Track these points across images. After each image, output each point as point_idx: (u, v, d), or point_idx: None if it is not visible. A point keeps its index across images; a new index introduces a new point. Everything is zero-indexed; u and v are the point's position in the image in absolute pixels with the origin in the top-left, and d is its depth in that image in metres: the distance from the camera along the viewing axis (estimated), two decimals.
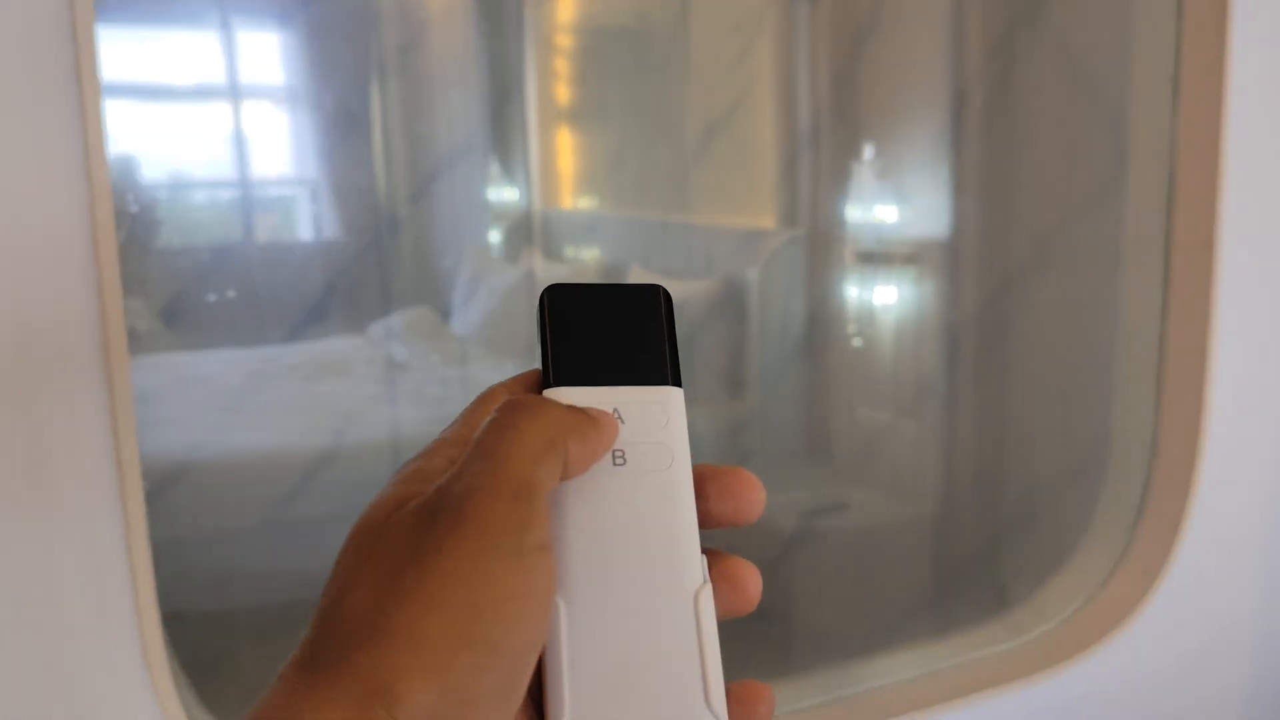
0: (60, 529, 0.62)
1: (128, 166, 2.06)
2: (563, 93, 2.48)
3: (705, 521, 0.37)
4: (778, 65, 1.90)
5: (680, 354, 0.40)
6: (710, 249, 1.97)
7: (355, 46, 2.38)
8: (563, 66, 2.45)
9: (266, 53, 2.38)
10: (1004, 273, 1.55)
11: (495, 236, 2.47)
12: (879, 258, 1.69)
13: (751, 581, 0.37)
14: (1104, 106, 1.30)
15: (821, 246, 1.82)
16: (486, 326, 2.12)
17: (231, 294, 2.04)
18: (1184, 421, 0.99)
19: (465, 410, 0.38)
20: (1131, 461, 1.07)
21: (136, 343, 1.71)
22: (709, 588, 0.35)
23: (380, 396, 1.89)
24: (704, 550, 0.36)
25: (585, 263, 2.25)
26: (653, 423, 0.38)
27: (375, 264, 2.26)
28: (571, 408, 0.36)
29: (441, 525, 0.32)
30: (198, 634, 1.27)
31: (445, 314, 2.24)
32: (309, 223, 2.39)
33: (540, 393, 0.38)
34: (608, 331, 0.40)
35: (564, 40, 2.43)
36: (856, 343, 1.77)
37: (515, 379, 0.39)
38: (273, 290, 2.14)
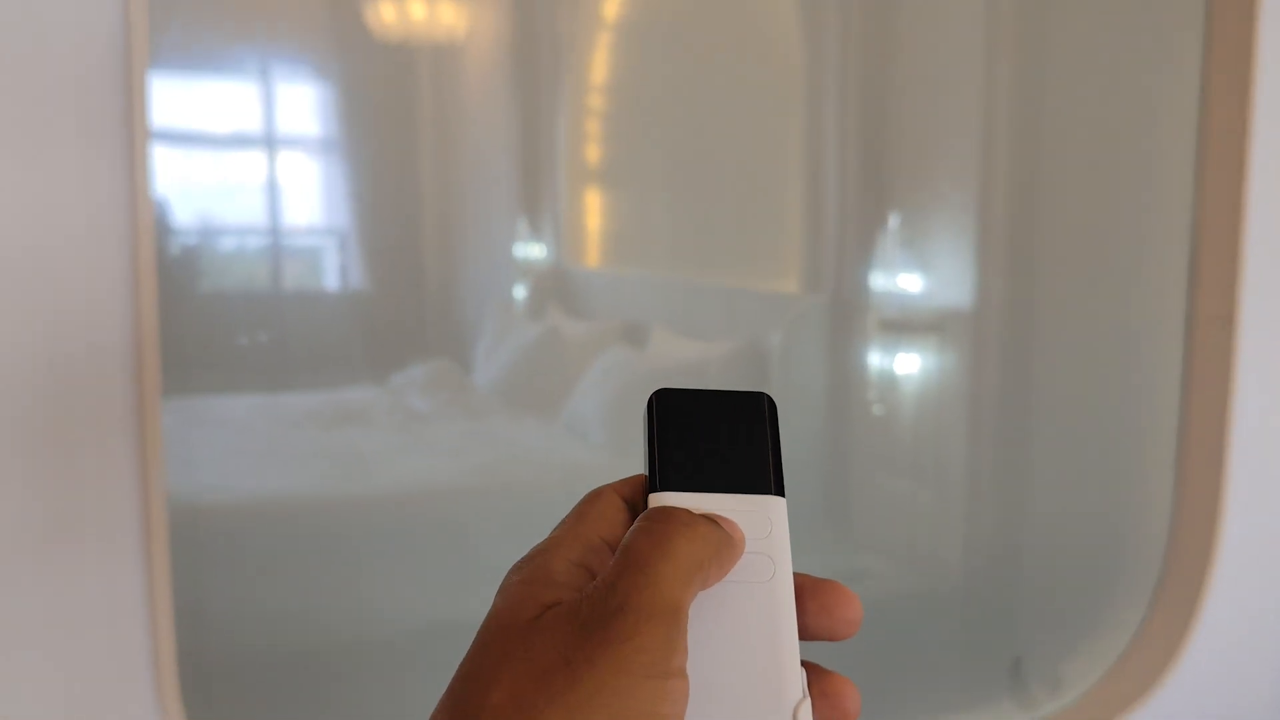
0: (84, 565, 0.63)
1: (160, 210, 2.10)
2: (593, 153, 2.52)
3: (801, 634, 0.38)
4: (807, 131, 1.92)
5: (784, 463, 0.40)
6: (734, 311, 1.98)
7: (391, 102, 2.43)
8: (594, 127, 2.48)
9: (303, 104, 2.43)
10: (1026, 345, 1.55)
11: (520, 292, 2.49)
12: (901, 326, 1.69)
13: (850, 699, 0.38)
14: (1127, 181, 1.31)
15: (845, 312, 1.82)
16: (508, 381, 2.13)
17: (258, 339, 2.06)
18: (1202, 497, 0.98)
19: (575, 509, 0.39)
20: (1150, 537, 1.06)
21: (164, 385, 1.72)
22: (808, 703, 0.36)
23: (400, 446, 1.90)
24: (804, 664, 0.36)
25: (609, 319, 2.26)
26: (756, 532, 0.38)
27: (400, 315, 2.28)
28: (713, 524, 0.36)
29: (595, 638, 0.32)
30: (212, 676, 1.27)
31: (468, 367, 2.25)
32: (336, 272, 2.42)
33: (645, 496, 0.38)
34: (713, 437, 0.40)
35: (596, 101, 2.46)
36: (877, 410, 1.77)
37: (623, 482, 0.40)
38: (298, 337, 2.16)
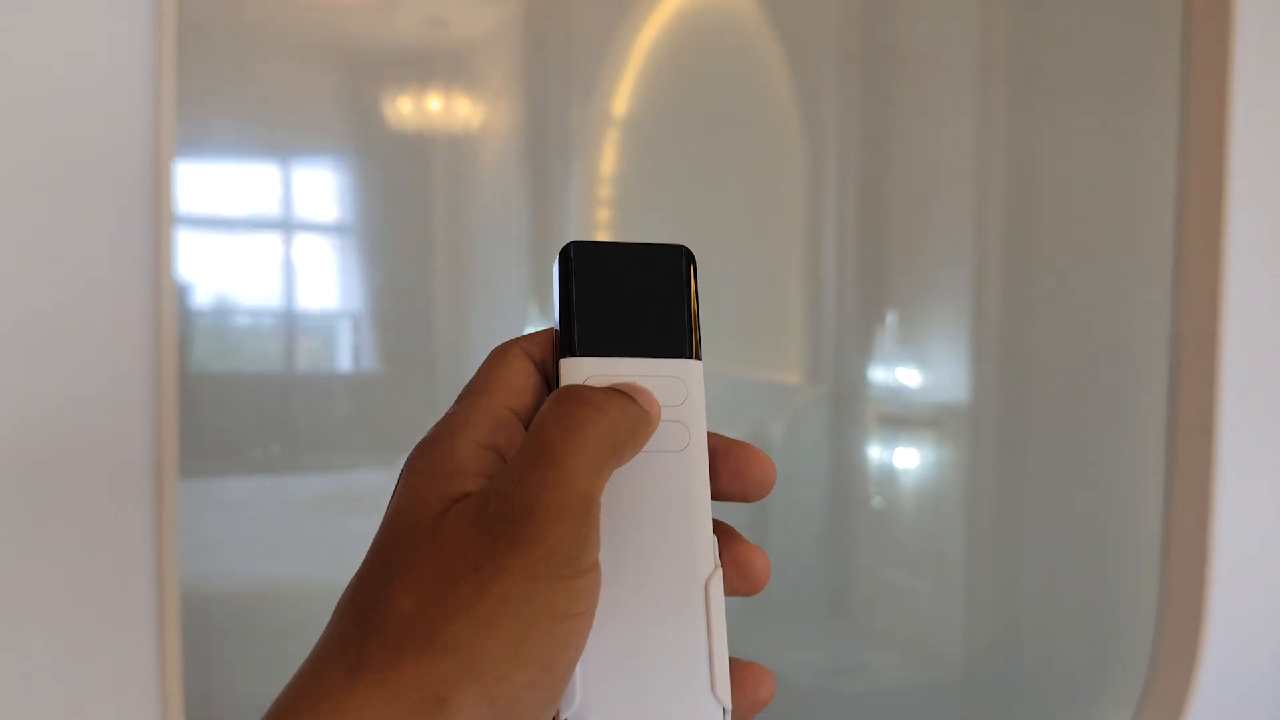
0: (97, 649, 0.65)
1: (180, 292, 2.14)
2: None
3: (715, 496, 0.37)
4: (807, 226, 1.97)
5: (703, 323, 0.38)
6: (736, 401, 2.02)
7: (406, 190, 2.49)
8: (603, 217, 2.54)
9: (320, 189, 2.49)
10: (1021, 440, 1.58)
11: None
12: (900, 420, 1.73)
13: (760, 566, 0.37)
14: (1111, 285, 1.35)
15: (845, 405, 1.86)
16: None
17: (266, 422, 2.09)
18: (1188, 588, 1.01)
19: (480, 372, 0.37)
20: (1140, 631, 1.08)
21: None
22: (719, 573, 0.35)
23: None
24: (717, 529, 0.36)
25: None
26: (672, 399, 0.37)
27: (411, 398, 2.31)
28: (629, 401, 0.34)
29: (503, 543, 0.31)
30: None
31: None
32: (349, 353, 2.46)
33: (556, 359, 0.37)
34: (629, 297, 0.38)
35: (605, 192, 2.52)
36: (877, 503, 1.79)
37: (531, 338, 0.38)
38: (309, 419, 2.19)
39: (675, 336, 0.38)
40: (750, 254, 2.10)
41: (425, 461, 0.35)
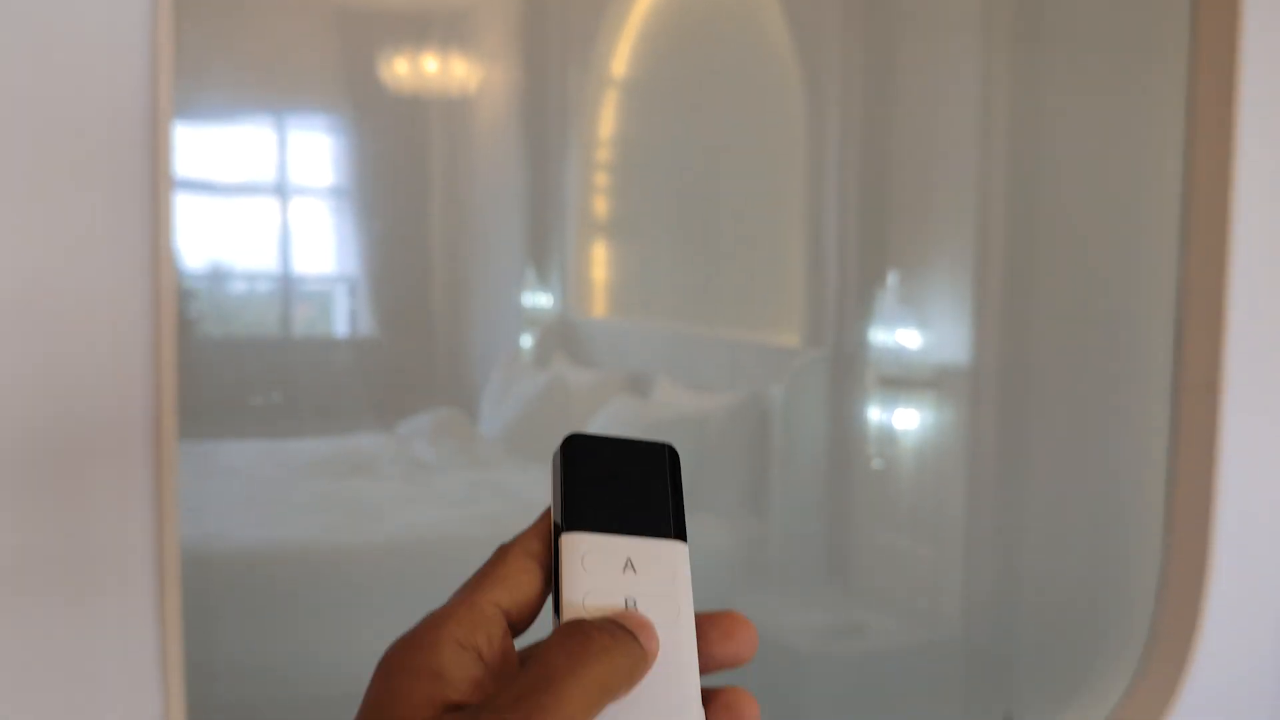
0: (96, 612, 0.65)
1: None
2: (600, 206, 2.56)
3: (707, 665, 0.38)
4: (809, 188, 1.96)
5: (686, 508, 0.41)
6: (736, 364, 2.01)
7: (403, 153, 2.47)
8: (601, 181, 2.53)
9: (316, 152, 2.47)
10: (1021, 401, 1.57)
11: (527, 341, 2.52)
12: (900, 382, 1.72)
13: (748, 707, 0.38)
14: (1117, 244, 1.34)
15: (845, 367, 1.85)
16: (514, 429, 2.15)
17: (265, 386, 2.09)
18: (1191, 550, 1.00)
19: (480, 569, 0.38)
20: (1141, 594, 1.08)
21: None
22: None
23: (406, 496, 1.92)
24: (706, 690, 0.37)
25: (613, 370, 2.29)
26: (662, 575, 0.39)
27: (408, 362, 2.31)
28: (633, 640, 0.36)
29: None
30: None
31: (474, 416, 2.27)
32: (346, 319, 2.45)
33: (555, 538, 0.39)
34: (620, 482, 0.41)
35: (603, 155, 2.51)
36: (876, 464, 1.79)
37: (527, 533, 0.40)
38: (306, 383, 2.19)
39: (663, 520, 0.41)
40: (751, 217, 2.08)
41: (407, 659, 0.35)
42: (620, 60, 2.44)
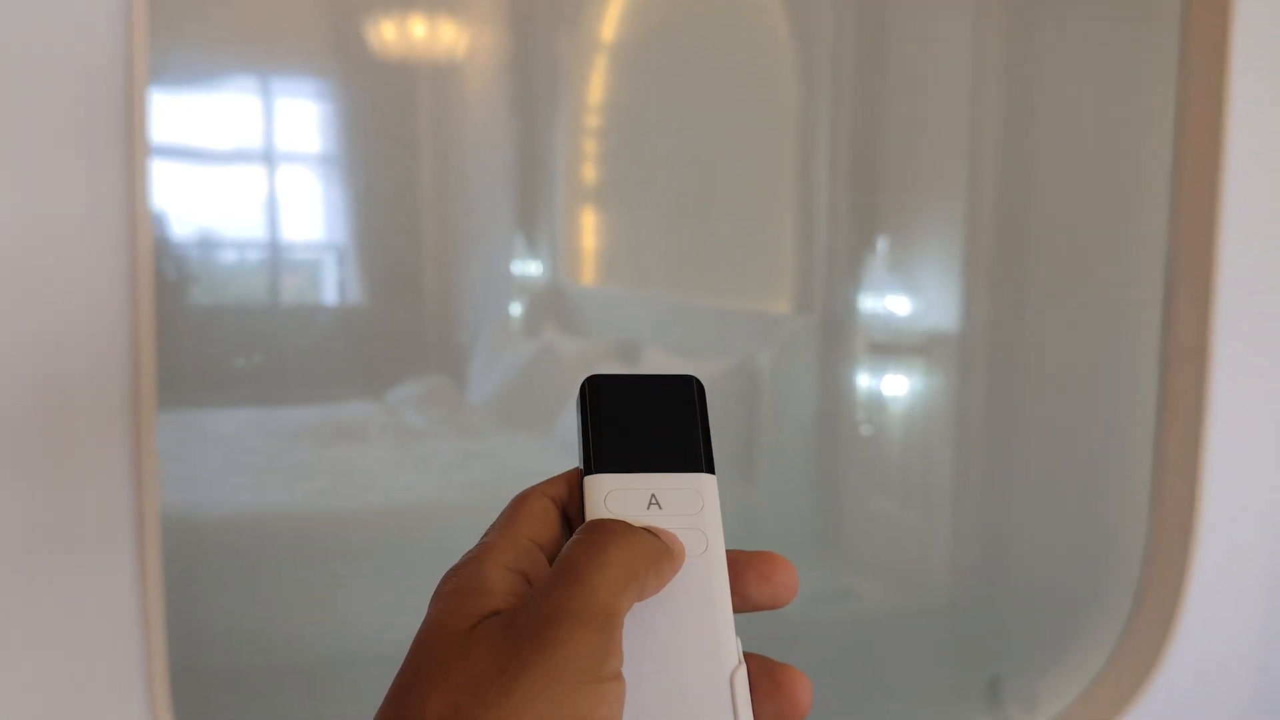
0: (79, 577, 0.65)
1: (158, 223, 2.11)
2: (589, 172, 2.54)
3: (744, 606, 0.39)
4: (799, 154, 1.95)
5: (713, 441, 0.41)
6: (725, 331, 2.01)
7: (391, 119, 2.45)
8: (591, 147, 2.51)
9: (304, 120, 2.45)
10: (1010, 368, 1.57)
11: (516, 309, 2.52)
12: (889, 348, 1.72)
13: (802, 689, 0.39)
14: (1107, 211, 1.33)
15: (834, 334, 1.85)
16: (503, 397, 2.15)
17: (255, 354, 2.08)
18: (1177, 520, 1.01)
19: (504, 512, 0.40)
20: (1127, 558, 1.08)
21: (160, 399, 1.74)
22: (744, 669, 0.37)
23: (394, 462, 1.92)
24: (755, 656, 0.38)
25: (603, 338, 2.28)
26: (688, 508, 0.39)
27: (398, 330, 2.30)
28: (651, 535, 0.37)
29: (528, 646, 0.33)
30: (205, 690, 1.29)
31: (463, 384, 2.27)
32: (335, 287, 2.44)
33: (580, 480, 0.40)
34: (644, 420, 0.41)
35: (593, 121, 2.49)
36: (866, 431, 1.79)
37: (550, 482, 0.41)
38: (295, 351, 2.18)
39: (689, 453, 0.41)
40: (741, 184, 2.07)
41: (454, 584, 0.37)
42: (609, 25, 2.42)
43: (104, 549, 0.66)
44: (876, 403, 1.76)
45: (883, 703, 1.51)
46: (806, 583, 1.83)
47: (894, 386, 1.72)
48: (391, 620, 1.47)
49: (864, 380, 1.78)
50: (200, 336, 2.02)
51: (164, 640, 0.69)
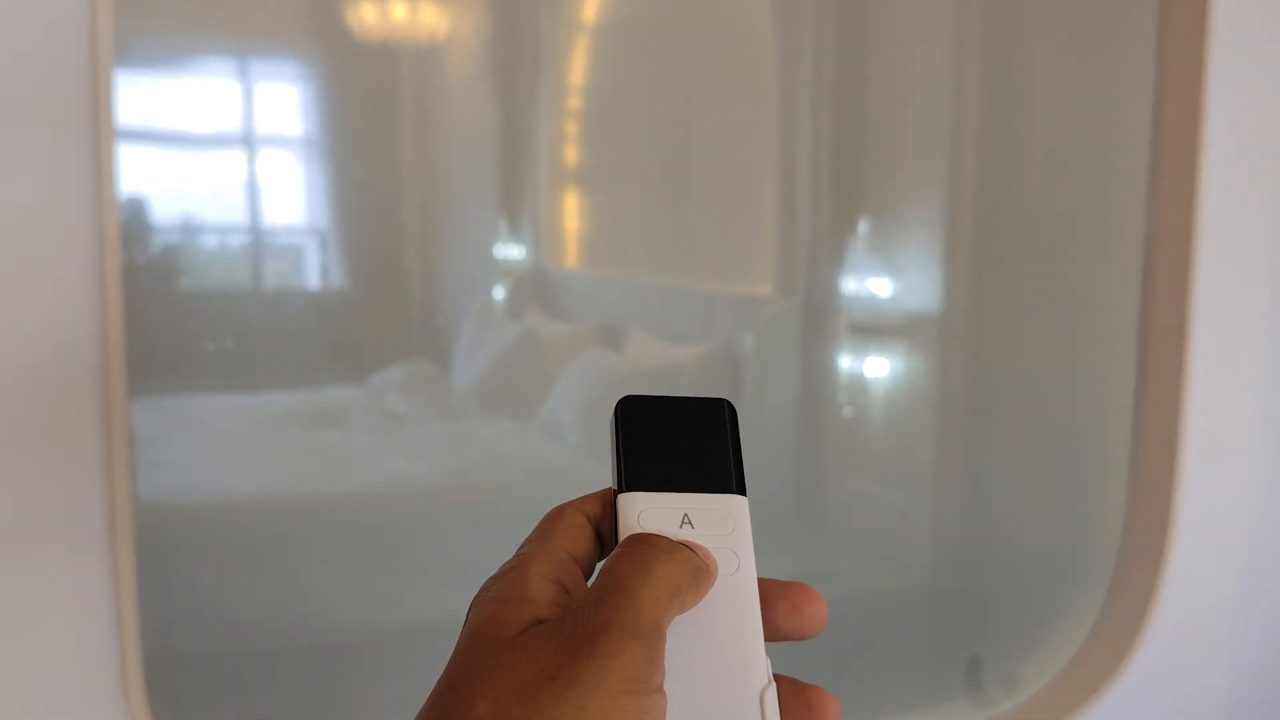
0: (50, 565, 0.64)
1: (138, 208, 2.10)
2: (572, 155, 2.54)
3: (773, 635, 0.39)
4: (780, 137, 1.95)
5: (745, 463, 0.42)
6: (709, 314, 2.01)
7: (372, 102, 2.44)
8: (573, 129, 2.50)
9: (284, 103, 2.43)
10: (992, 350, 1.57)
11: (500, 293, 2.51)
12: (871, 330, 1.72)
13: (831, 709, 0.39)
14: (1087, 193, 1.34)
15: (816, 316, 1.85)
16: (486, 381, 2.14)
17: (236, 339, 2.07)
18: (1155, 501, 1.01)
19: (539, 526, 0.40)
20: (1106, 539, 1.09)
21: (137, 384, 1.73)
22: (774, 688, 0.37)
23: (377, 447, 1.91)
24: (786, 679, 0.38)
25: (586, 321, 2.28)
26: (720, 528, 0.40)
27: (380, 315, 2.29)
28: (691, 552, 0.38)
29: (579, 655, 0.33)
30: (180, 677, 1.29)
31: (446, 368, 2.26)
32: (317, 271, 2.43)
33: (613, 498, 0.40)
34: (677, 440, 0.42)
35: (575, 103, 2.48)
36: (848, 412, 1.80)
37: (584, 499, 0.42)
38: (277, 337, 2.17)
39: (721, 475, 0.41)
40: (723, 166, 2.07)
41: (496, 591, 0.37)
42: (591, 6, 2.40)
43: (76, 537, 0.66)
44: (858, 384, 1.77)
45: (863, 682, 1.52)
46: (788, 563, 1.84)
47: (876, 368, 1.72)
48: (376, 605, 1.47)
49: (846, 362, 1.79)
50: (181, 322, 2.01)
51: (136, 626, 0.69)
